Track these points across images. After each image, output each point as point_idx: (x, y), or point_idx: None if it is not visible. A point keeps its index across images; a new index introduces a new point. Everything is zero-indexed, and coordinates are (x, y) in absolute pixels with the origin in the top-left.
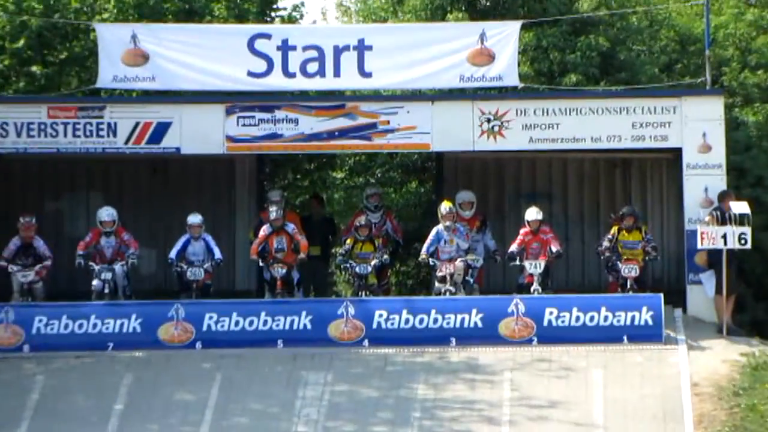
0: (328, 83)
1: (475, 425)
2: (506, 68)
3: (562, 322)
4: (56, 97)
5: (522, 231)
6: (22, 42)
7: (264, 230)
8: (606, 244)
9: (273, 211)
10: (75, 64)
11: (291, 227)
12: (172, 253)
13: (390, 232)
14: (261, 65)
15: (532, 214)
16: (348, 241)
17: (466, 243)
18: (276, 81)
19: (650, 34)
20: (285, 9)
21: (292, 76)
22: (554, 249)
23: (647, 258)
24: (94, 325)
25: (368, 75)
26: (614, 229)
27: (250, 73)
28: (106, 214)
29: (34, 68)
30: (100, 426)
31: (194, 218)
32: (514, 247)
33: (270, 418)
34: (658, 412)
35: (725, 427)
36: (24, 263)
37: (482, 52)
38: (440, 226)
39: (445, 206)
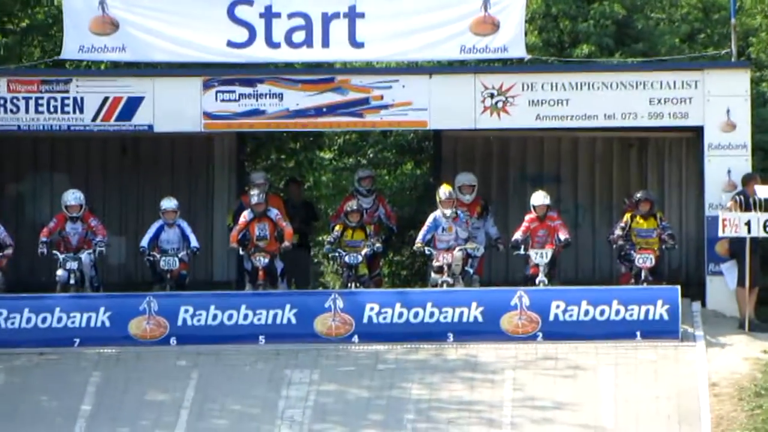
0: (315, 54)
1: (473, 428)
2: (512, 38)
3: (570, 316)
4: (17, 69)
5: (527, 217)
6: None
7: (245, 216)
8: (618, 232)
9: (255, 195)
10: (38, 32)
11: (274, 213)
12: (144, 241)
13: (383, 218)
14: (242, 34)
15: (539, 198)
16: (337, 228)
17: (466, 232)
18: (258, 52)
19: (670, 1)
20: None
21: (277, 46)
22: (562, 237)
23: (663, 247)
24: (59, 319)
25: (360, 45)
26: (627, 216)
27: (230, 43)
28: (73, 197)
29: None
30: (65, 428)
31: (168, 203)
32: (518, 235)
33: (250, 419)
34: (672, 414)
35: (745, 430)
36: None
37: (485, 21)
38: (438, 213)
39: (444, 190)
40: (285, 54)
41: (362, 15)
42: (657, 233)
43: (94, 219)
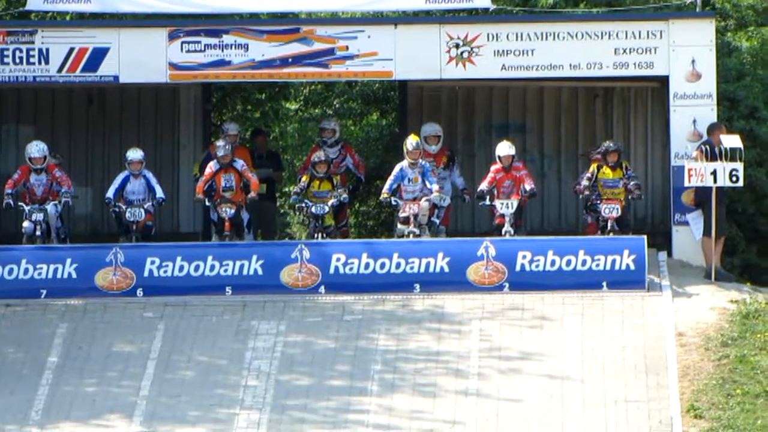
0: (280, 4)
1: (440, 378)
2: None
3: (536, 266)
4: None
5: (493, 168)
6: None
7: (211, 167)
8: (585, 183)
9: (221, 147)
10: None
11: (240, 164)
12: (110, 192)
13: (351, 168)
14: None
15: (504, 149)
16: (303, 178)
17: (434, 181)
18: (224, 2)
19: None
20: None
21: None
22: (528, 187)
23: (630, 197)
24: (25, 271)
25: None
26: (594, 166)
27: None
28: (36, 149)
29: None
30: (32, 379)
31: (134, 154)
32: (484, 186)
33: (218, 371)
34: (639, 364)
35: (712, 380)
36: None
37: None
38: (404, 163)
39: (411, 141)
40: (250, 4)
41: None
42: (623, 183)
43: (59, 170)
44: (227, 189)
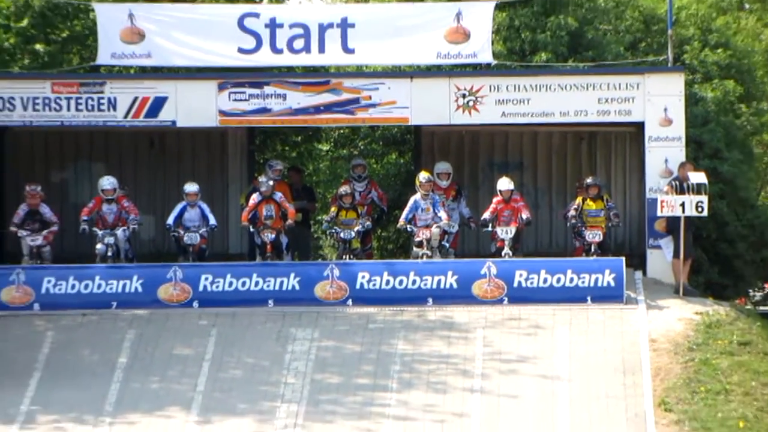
0: (313, 59)
1: (450, 378)
2: (481, 46)
3: (531, 283)
4: (59, 74)
5: (495, 200)
6: (26, 21)
7: (254, 198)
8: (572, 212)
9: (263, 183)
10: (76, 42)
11: (278, 195)
12: (170, 220)
13: (375, 200)
14: (250, 42)
15: (504, 184)
16: (333, 208)
17: (444, 212)
18: (264, 57)
19: (616, 14)
20: None
21: (280, 52)
22: (524, 216)
23: (610, 225)
24: (99, 286)
25: (351, 51)
26: (579, 199)
27: (241, 50)
28: (108, 182)
29: (37, 46)
30: (105, 377)
31: (191, 187)
32: (487, 215)
33: (262, 370)
34: (618, 366)
35: (680, 380)
36: (32, 228)
37: (458, 31)
38: (417, 195)
39: (423, 175)
40: (287, 59)
41: (353, 25)
42: (604, 213)
43: (126, 201)
44: (268, 217)
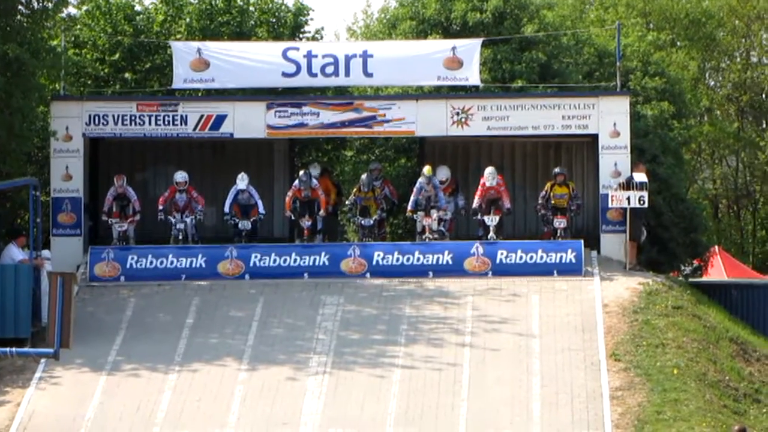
0: (341, 81)
1: (446, 335)
2: (471, 72)
3: (510, 260)
4: (143, 96)
5: (481, 183)
6: (117, 55)
7: (293, 191)
8: (541, 201)
9: (302, 185)
10: (156, 71)
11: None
12: (226, 207)
13: (388, 195)
14: (292, 68)
15: (489, 171)
16: (353, 194)
17: (443, 197)
18: (302, 80)
19: (576, 50)
20: (309, 32)
21: (315, 76)
22: (506, 207)
23: (571, 214)
24: (171, 262)
25: (370, 75)
26: (548, 186)
27: (284, 74)
28: (180, 176)
29: (126, 75)
30: (176, 335)
31: (241, 182)
32: (476, 202)
33: (298, 329)
34: (578, 325)
35: (627, 336)
36: (121, 213)
37: (454, 60)
38: (421, 179)
39: (425, 168)
40: (320, 81)
41: (371, 56)
42: (568, 196)
43: (195, 191)
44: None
